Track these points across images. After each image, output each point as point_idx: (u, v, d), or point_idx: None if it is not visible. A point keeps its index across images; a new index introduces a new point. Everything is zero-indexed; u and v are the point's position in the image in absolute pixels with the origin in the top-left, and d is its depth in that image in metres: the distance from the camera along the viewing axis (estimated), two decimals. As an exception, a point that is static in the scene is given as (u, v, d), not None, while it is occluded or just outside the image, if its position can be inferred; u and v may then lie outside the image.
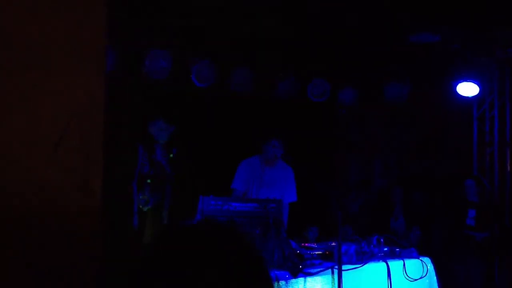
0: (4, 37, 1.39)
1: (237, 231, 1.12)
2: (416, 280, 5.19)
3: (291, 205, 5.89)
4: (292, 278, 4.31)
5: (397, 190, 8.07)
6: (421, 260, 5.36)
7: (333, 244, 4.89)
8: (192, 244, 1.05)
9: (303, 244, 5.26)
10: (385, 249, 5.19)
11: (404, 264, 5.14)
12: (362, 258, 4.90)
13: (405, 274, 5.12)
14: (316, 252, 4.89)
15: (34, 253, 1.40)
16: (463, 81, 7.47)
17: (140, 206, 6.49)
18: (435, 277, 5.48)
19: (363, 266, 4.82)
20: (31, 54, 1.45)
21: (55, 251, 1.44)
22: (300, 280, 4.36)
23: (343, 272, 4.38)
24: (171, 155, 6.72)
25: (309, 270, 4.49)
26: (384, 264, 5.00)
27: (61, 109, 1.51)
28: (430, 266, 5.45)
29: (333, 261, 4.64)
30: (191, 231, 1.10)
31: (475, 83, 7.46)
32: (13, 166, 1.40)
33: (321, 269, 4.57)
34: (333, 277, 4.54)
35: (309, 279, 4.43)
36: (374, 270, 4.96)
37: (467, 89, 7.51)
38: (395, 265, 5.09)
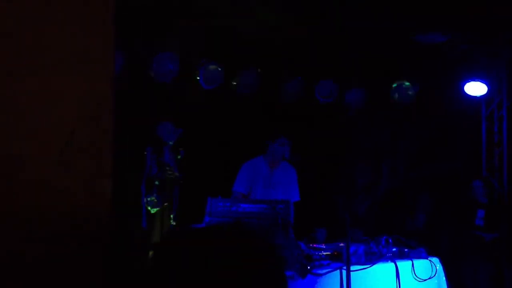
0: (12, 39, 1.41)
1: (256, 232, 1.12)
2: (425, 280, 5.17)
3: (298, 205, 5.88)
4: (300, 279, 4.31)
5: (425, 197, 8.11)
6: (430, 261, 5.34)
7: (342, 244, 4.88)
8: (213, 243, 1.05)
9: (311, 245, 5.25)
10: (394, 249, 5.18)
11: (412, 265, 5.13)
12: (371, 259, 4.89)
13: (414, 274, 5.11)
14: (325, 253, 4.89)
15: (42, 254, 1.41)
16: (471, 80, 7.44)
17: (149, 208, 6.51)
18: (444, 278, 5.46)
19: (372, 267, 4.81)
20: (40, 57, 1.46)
21: (63, 253, 1.45)
22: (309, 281, 4.36)
23: (351, 273, 4.37)
24: (179, 157, 6.74)
25: (318, 271, 4.49)
26: (392, 264, 4.99)
27: (69, 111, 1.52)
28: (439, 267, 5.43)
29: (341, 262, 4.64)
30: (210, 231, 1.11)
31: (483, 82, 7.43)
32: (21, 169, 1.42)
33: (330, 269, 4.56)
34: (341, 278, 4.53)
35: (317, 279, 4.43)
36: (383, 270, 4.95)
37: (476, 88, 7.48)
38: (404, 265, 5.08)
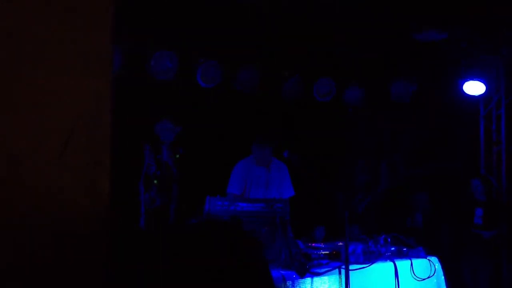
0: (10, 37, 1.40)
1: (236, 228, 1.12)
2: (423, 279, 5.17)
3: (296, 204, 5.87)
4: (299, 278, 4.31)
5: (423, 197, 8.10)
6: (428, 260, 5.34)
7: (340, 243, 4.88)
8: (192, 239, 1.06)
9: (310, 244, 5.25)
10: (392, 248, 5.18)
11: (411, 264, 5.13)
12: (369, 258, 4.89)
13: (412, 273, 5.11)
14: (323, 252, 4.89)
15: (40, 255, 1.41)
16: (470, 79, 7.44)
17: (147, 207, 6.50)
18: (443, 277, 5.46)
19: (371, 266, 4.81)
20: (37, 55, 1.45)
21: (63, 254, 1.44)
22: (307, 280, 4.36)
23: (350, 272, 4.37)
24: (178, 155, 6.73)
25: (316, 270, 4.49)
26: (391, 263, 5.00)
27: (67, 109, 1.51)
28: (438, 266, 5.43)
29: (340, 261, 4.64)
30: (192, 227, 1.11)
31: (481, 81, 7.43)
32: (19, 168, 1.41)
33: (328, 269, 4.56)
34: (340, 277, 4.53)
35: (316, 279, 4.43)
36: (382, 269, 4.95)
37: (474, 87, 7.48)
38: (403, 264, 5.08)
